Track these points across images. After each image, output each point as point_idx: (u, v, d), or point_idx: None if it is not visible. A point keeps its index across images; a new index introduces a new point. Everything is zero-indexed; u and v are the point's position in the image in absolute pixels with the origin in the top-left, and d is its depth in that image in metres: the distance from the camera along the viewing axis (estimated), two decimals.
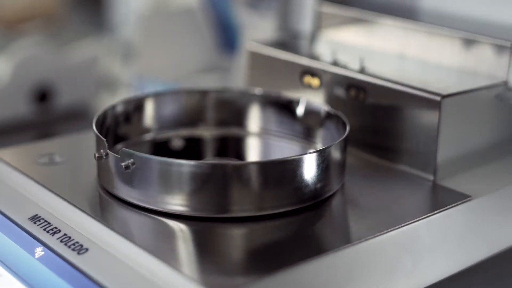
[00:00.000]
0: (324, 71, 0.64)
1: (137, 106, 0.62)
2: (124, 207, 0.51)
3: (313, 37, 0.75)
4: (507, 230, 0.59)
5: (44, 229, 0.50)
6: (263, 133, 0.64)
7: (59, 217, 0.51)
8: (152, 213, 0.50)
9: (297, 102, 0.62)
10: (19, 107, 0.96)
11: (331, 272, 0.46)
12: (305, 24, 0.76)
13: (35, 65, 0.97)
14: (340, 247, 0.46)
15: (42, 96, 0.98)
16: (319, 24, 0.74)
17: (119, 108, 0.60)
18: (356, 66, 0.64)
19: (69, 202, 0.51)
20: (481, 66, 0.62)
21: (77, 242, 0.48)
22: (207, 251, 0.46)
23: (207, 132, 0.64)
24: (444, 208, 0.52)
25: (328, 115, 0.60)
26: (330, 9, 0.74)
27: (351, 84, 0.62)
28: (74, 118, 1.01)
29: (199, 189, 0.48)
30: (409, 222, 0.50)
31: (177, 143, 0.63)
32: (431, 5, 0.72)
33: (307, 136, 0.62)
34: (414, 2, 0.73)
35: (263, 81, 0.69)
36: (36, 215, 0.52)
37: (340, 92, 0.63)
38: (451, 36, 0.64)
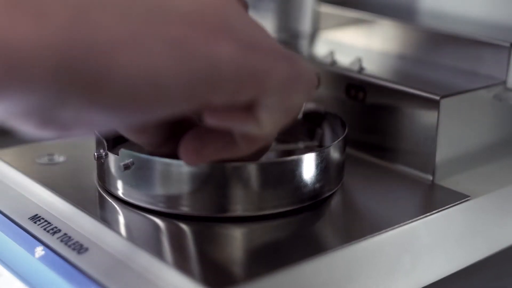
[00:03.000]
0: (324, 71, 0.64)
1: None
2: (124, 207, 0.51)
3: (313, 37, 0.75)
4: (506, 230, 0.59)
5: (44, 229, 0.50)
6: None
7: (59, 217, 0.51)
8: (152, 213, 0.50)
9: None
10: None
11: (331, 272, 0.46)
12: (305, 24, 0.76)
13: None
14: (340, 246, 0.46)
15: None
16: (318, 24, 0.74)
17: None
18: (355, 66, 0.64)
19: (69, 202, 0.51)
20: (480, 66, 0.62)
21: (77, 242, 0.48)
22: (207, 251, 0.47)
23: None
24: (443, 208, 0.52)
25: (328, 115, 0.60)
26: (329, 9, 0.74)
27: (351, 84, 0.62)
28: None
29: (199, 189, 0.48)
30: (408, 222, 0.50)
31: None
32: (430, 5, 0.72)
33: (307, 136, 0.62)
34: (413, 2, 0.73)
35: None
36: (36, 215, 0.52)
37: (339, 92, 0.63)
38: (450, 36, 0.64)
